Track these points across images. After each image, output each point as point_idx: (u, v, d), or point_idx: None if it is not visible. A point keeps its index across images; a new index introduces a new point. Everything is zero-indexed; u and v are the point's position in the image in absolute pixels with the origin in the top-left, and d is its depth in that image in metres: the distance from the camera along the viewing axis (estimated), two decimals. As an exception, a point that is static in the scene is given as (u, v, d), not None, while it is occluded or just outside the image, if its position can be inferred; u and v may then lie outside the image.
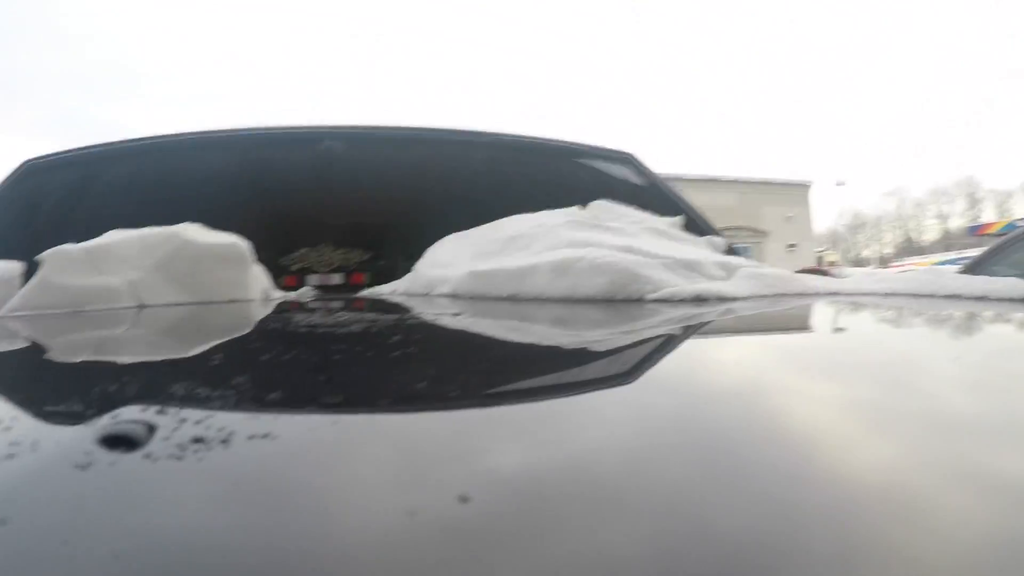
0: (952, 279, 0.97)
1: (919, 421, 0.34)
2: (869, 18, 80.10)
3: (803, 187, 25.56)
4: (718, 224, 1.73)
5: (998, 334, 0.71)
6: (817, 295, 0.95)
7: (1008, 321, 0.75)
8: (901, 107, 79.09)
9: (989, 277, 1.08)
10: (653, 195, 1.69)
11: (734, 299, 0.85)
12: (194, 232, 1.05)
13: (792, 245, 22.35)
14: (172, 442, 0.26)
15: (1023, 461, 0.28)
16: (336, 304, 1.12)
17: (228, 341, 0.69)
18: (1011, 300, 0.84)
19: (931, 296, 0.90)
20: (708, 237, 1.29)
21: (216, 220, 1.12)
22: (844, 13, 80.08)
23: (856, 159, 74.40)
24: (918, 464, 0.28)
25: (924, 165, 71.42)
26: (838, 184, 22.68)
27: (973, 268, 3.47)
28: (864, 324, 0.77)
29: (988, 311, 0.82)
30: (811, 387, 0.43)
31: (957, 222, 43.90)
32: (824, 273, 1.39)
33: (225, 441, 0.27)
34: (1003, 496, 0.24)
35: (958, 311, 0.82)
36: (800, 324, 0.82)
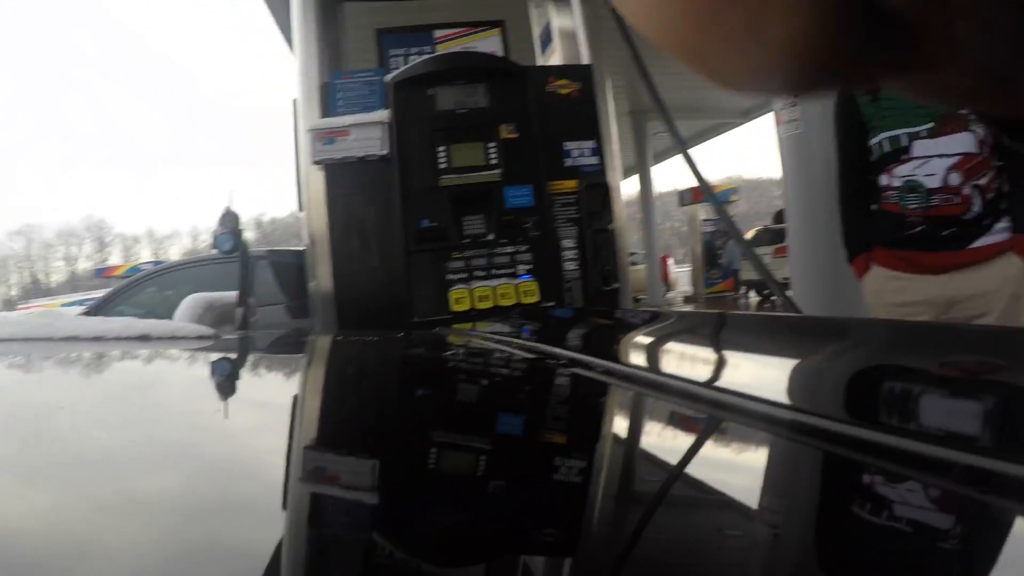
0: (70, 321, 0.99)
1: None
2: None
3: None
4: None
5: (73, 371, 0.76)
6: None
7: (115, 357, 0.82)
8: (28, 136, 74.58)
9: (106, 317, 1.25)
10: None
11: None
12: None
13: None
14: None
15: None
16: None
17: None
18: (127, 339, 0.90)
19: (50, 339, 0.90)
20: None
21: None
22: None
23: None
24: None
25: (54, 205, 69.83)
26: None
27: (97, 309, 3.70)
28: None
29: (99, 348, 0.85)
30: None
31: (85, 264, 45.52)
32: None
33: None
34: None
35: (75, 352, 0.84)
36: None
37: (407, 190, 1.49)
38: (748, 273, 10.53)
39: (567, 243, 1.53)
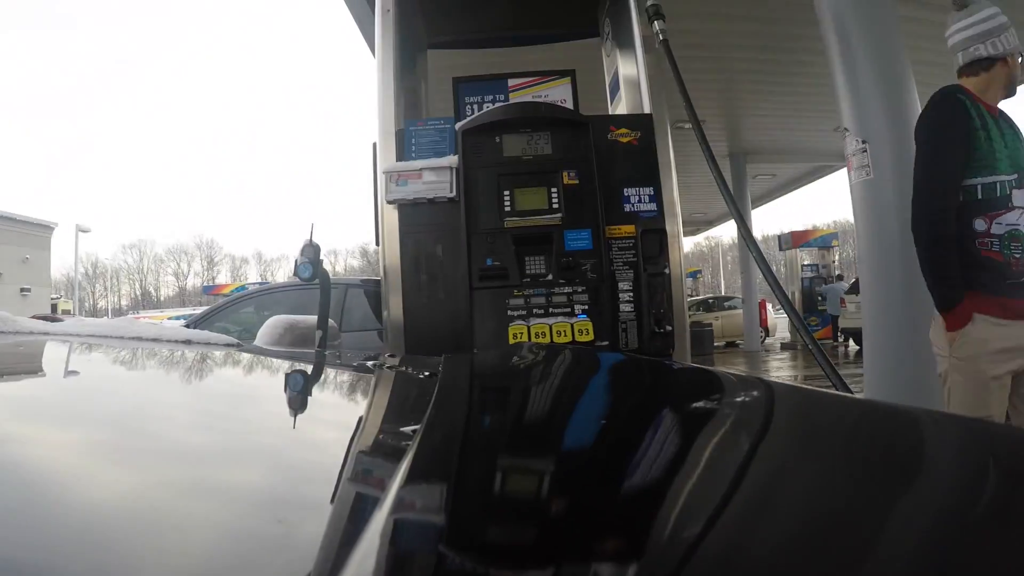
0: (136, 325, 1.17)
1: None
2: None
3: (46, 228, 23.71)
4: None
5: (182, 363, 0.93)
6: (31, 333, 1.08)
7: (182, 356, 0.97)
8: (150, 161, 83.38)
9: (170, 324, 1.51)
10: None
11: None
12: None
13: (26, 289, 20.72)
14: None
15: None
16: None
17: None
18: (173, 340, 1.10)
19: (122, 337, 1.09)
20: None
21: None
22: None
23: (101, 206, 73.12)
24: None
25: (168, 222, 77.31)
26: (81, 230, 22.24)
27: (196, 323, 3.97)
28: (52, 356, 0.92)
29: (183, 349, 1.02)
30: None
31: (194, 281, 49.80)
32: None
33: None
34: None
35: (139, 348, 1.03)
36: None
37: (472, 230, 1.59)
38: (849, 320, 9.95)
39: (623, 285, 1.57)
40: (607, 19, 2.21)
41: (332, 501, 0.35)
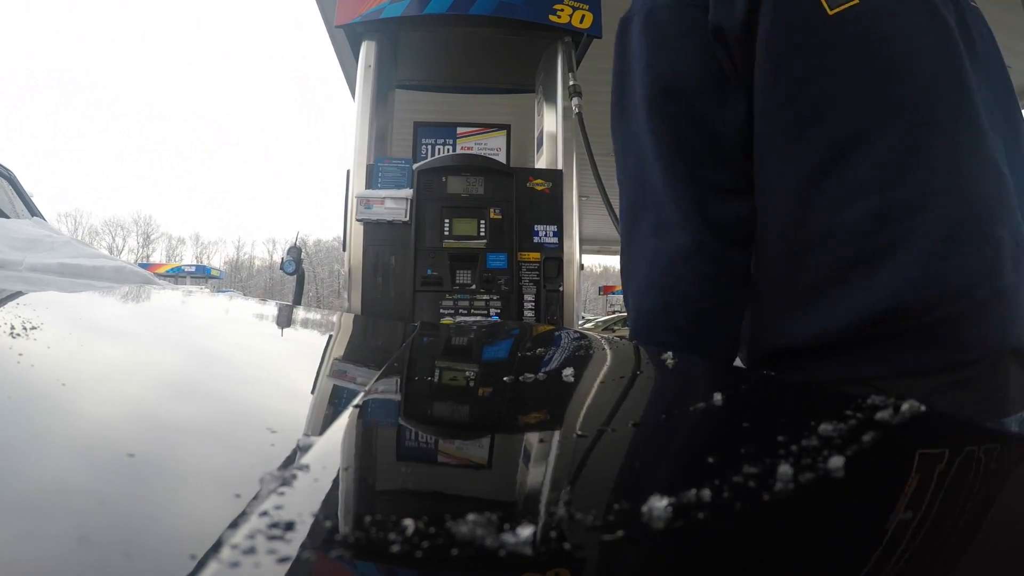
0: None
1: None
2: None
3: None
4: None
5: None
6: None
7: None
8: (94, 129, 79.10)
9: None
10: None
11: None
12: None
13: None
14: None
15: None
16: None
17: None
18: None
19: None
20: None
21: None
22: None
23: (42, 170, 68.97)
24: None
25: (106, 193, 73.59)
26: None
27: None
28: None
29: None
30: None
31: (128, 257, 47.70)
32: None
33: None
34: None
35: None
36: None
37: (419, 247, 2.12)
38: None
39: (528, 297, 2.14)
40: (540, 83, 2.78)
41: (309, 411, 0.41)
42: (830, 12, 0.67)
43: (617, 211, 0.86)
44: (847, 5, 0.67)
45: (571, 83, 2.37)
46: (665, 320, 0.72)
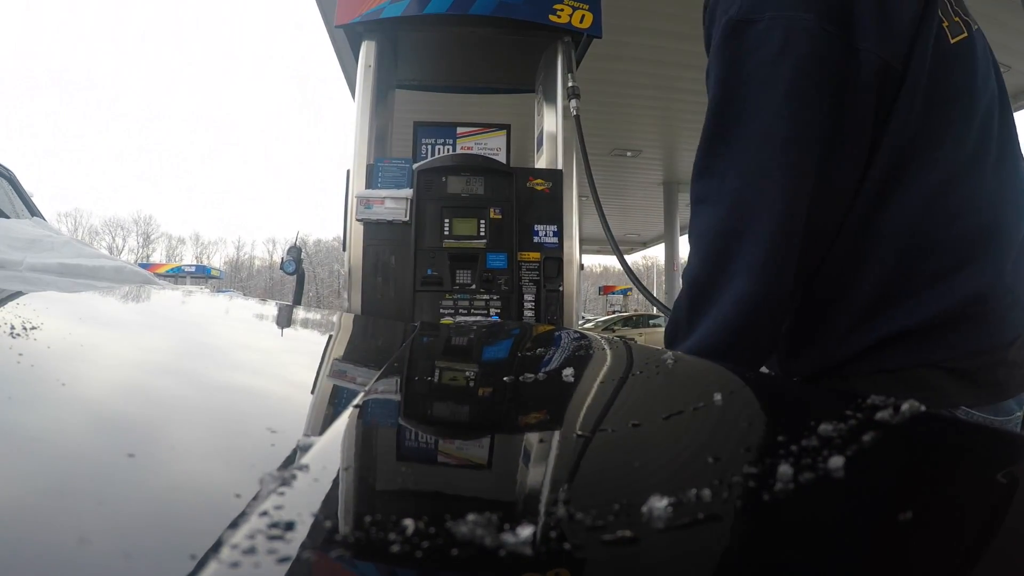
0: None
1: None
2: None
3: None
4: None
5: None
6: None
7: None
8: (95, 129, 79.12)
9: None
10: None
11: None
12: None
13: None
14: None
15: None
16: None
17: None
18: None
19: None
20: None
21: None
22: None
23: (42, 170, 69.00)
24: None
25: (106, 193, 73.60)
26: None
27: None
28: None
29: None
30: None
31: (128, 257, 47.70)
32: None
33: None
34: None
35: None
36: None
37: (419, 247, 2.12)
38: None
39: (528, 297, 2.13)
40: (540, 83, 2.78)
41: (309, 411, 0.42)
42: (952, 42, 0.75)
43: (606, 212, 0.87)
44: (961, 37, 0.75)
45: (570, 84, 2.37)
46: (726, 356, 0.74)
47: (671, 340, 0.81)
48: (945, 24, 0.74)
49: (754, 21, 0.72)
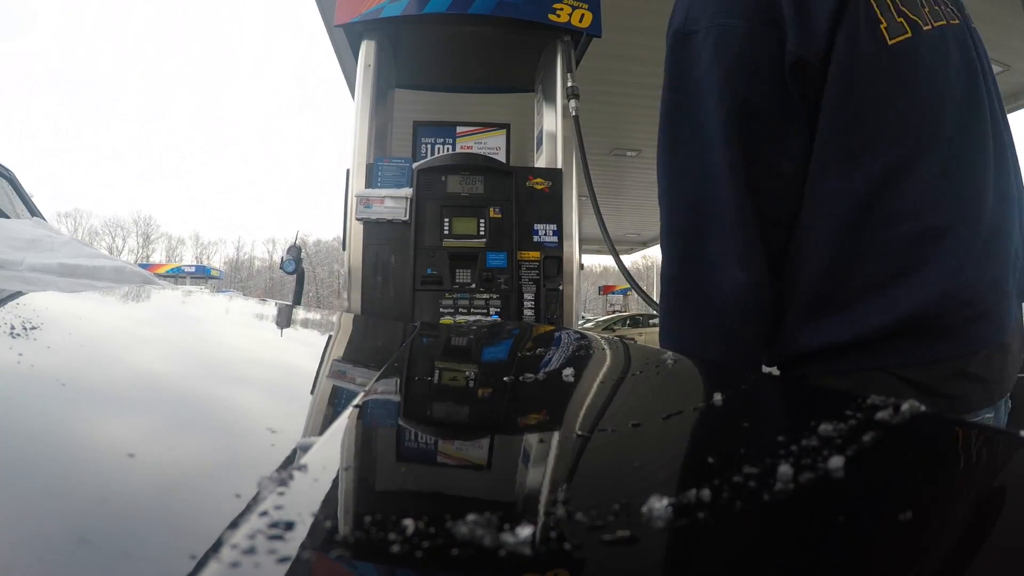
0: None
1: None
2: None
3: (-32, 190, 22.48)
4: None
5: None
6: None
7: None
8: (90, 129, 79.12)
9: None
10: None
11: None
12: None
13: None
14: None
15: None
16: None
17: None
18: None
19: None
20: None
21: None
22: None
23: (41, 171, 69.03)
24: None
25: (106, 192, 73.65)
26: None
27: None
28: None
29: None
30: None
31: (128, 258, 47.67)
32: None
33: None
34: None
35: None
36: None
37: (419, 246, 2.12)
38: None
39: (527, 296, 2.13)
40: (540, 83, 2.78)
41: (309, 411, 0.41)
42: (889, 43, 0.74)
43: (606, 212, 0.89)
44: (902, 38, 0.75)
45: (569, 84, 2.37)
46: (711, 346, 0.78)
47: (661, 337, 0.84)
48: (883, 25, 0.75)
49: (692, 32, 0.79)
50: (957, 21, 0.82)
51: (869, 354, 0.74)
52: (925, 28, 0.77)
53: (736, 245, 0.76)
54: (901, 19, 0.77)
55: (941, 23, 0.79)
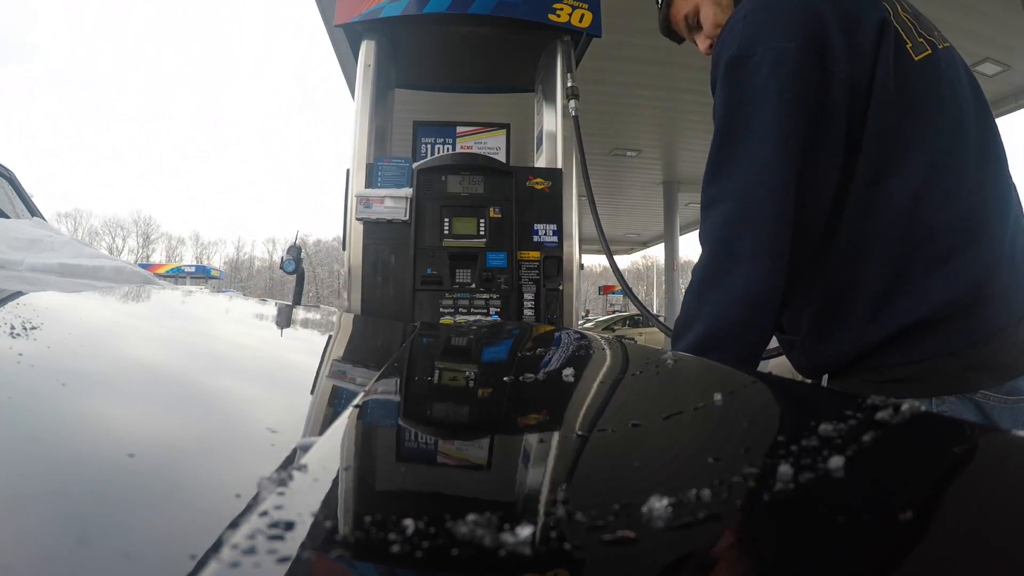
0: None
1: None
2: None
3: (-32, 190, 22.46)
4: None
5: None
6: None
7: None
8: (90, 129, 79.07)
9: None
10: None
11: None
12: None
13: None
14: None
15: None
16: None
17: None
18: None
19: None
20: None
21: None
22: None
23: (41, 171, 69.04)
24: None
25: (106, 192, 73.62)
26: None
27: None
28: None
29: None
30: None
31: (128, 258, 47.63)
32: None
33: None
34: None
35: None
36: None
37: (419, 246, 2.11)
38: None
39: (527, 296, 2.13)
40: (540, 83, 2.78)
41: (309, 411, 0.42)
42: (916, 59, 0.89)
43: (606, 212, 0.95)
44: (925, 55, 0.90)
45: (569, 84, 2.37)
46: (733, 332, 0.86)
47: (682, 325, 0.90)
48: (908, 45, 0.89)
49: (750, 55, 0.89)
50: (948, 45, 0.96)
51: (939, 335, 0.83)
52: (940, 47, 0.93)
53: (773, 241, 0.84)
54: (921, 39, 0.91)
55: (945, 44, 0.95)
